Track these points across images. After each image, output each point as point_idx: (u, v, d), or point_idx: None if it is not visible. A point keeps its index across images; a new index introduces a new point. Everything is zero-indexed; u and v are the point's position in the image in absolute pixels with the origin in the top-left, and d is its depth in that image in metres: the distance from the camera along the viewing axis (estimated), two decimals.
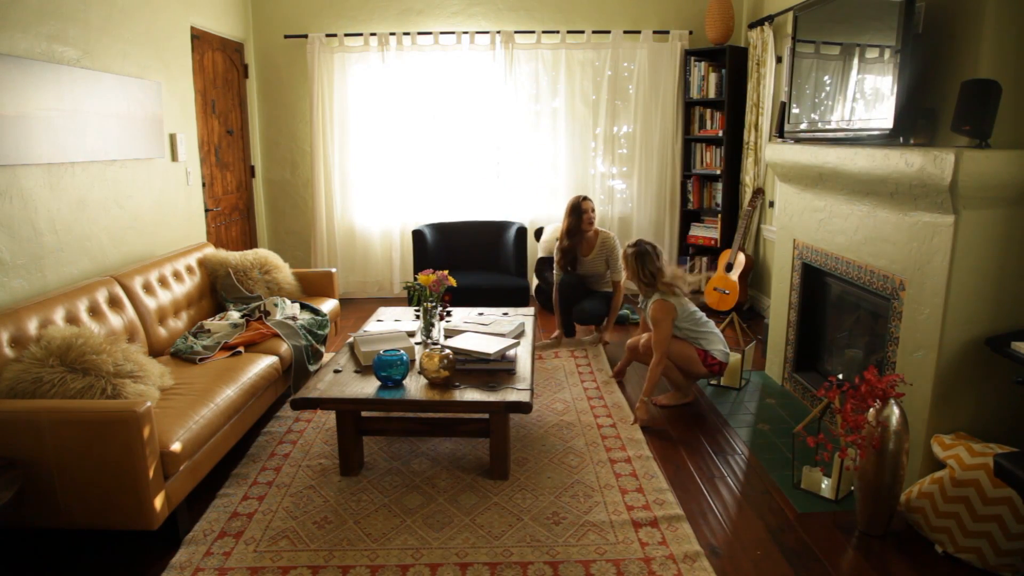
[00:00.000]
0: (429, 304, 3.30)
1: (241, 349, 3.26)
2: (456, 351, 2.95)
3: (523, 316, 3.75)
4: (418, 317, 3.64)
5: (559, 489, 2.77)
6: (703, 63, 5.55)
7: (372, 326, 3.58)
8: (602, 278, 4.60)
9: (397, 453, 3.09)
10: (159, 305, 3.37)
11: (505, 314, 3.75)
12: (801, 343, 3.79)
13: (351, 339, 3.27)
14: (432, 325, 3.32)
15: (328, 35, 5.58)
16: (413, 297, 3.33)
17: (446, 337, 3.27)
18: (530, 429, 3.32)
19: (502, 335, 3.24)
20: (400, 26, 5.64)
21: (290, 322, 3.57)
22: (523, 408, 2.70)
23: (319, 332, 3.71)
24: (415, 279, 3.35)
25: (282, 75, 5.74)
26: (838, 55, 3.30)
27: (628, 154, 5.92)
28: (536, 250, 5.78)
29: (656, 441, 3.23)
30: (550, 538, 2.44)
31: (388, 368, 2.78)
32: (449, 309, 3.74)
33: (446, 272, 3.38)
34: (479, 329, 3.34)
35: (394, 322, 3.67)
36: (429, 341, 3.30)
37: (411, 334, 3.39)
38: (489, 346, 3.01)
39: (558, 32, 5.66)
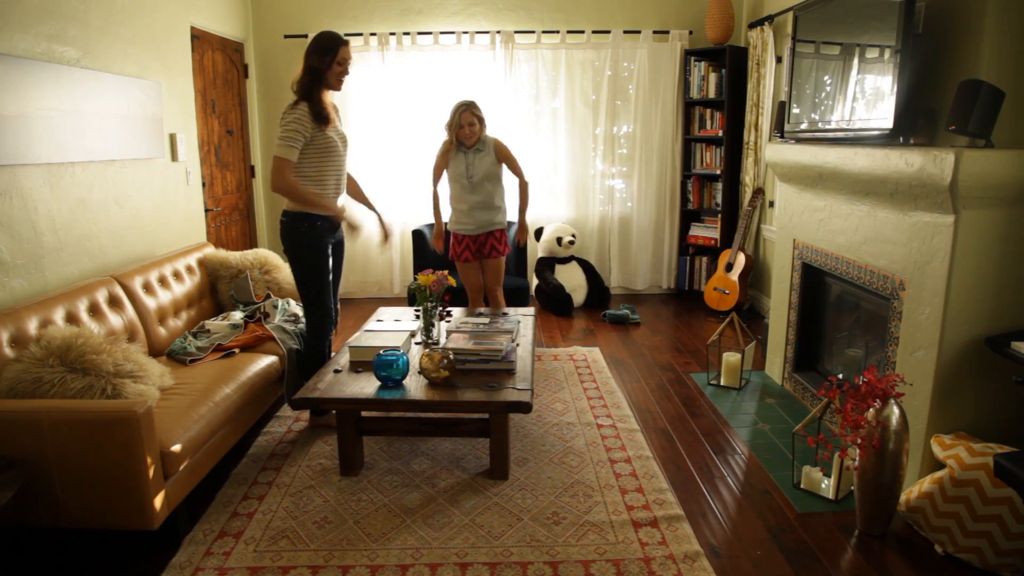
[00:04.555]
0: (429, 304, 3.30)
1: (236, 350, 3.26)
2: (456, 351, 2.95)
3: (523, 316, 3.75)
4: (418, 317, 3.64)
5: (559, 489, 2.77)
6: (703, 63, 5.55)
7: (372, 326, 3.58)
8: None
9: (397, 453, 3.09)
10: (159, 305, 3.36)
11: (505, 314, 3.75)
12: (801, 343, 3.79)
13: (351, 340, 3.27)
14: (432, 325, 3.32)
15: None
16: (415, 297, 3.33)
17: (446, 337, 3.27)
18: (530, 429, 3.32)
19: (501, 334, 3.24)
20: (400, 26, 5.64)
21: (286, 325, 3.57)
22: (523, 408, 2.70)
23: None
24: (415, 279, 3.35)
25: (282, 75, 5.72)
26: (838, 55, 3.30)
27: (628, 154, 5.93)
28: (536, 250, 5.79)
29: (656, 441, 3.23)
30: (550, 538, 2.44)
31: (388, 368, 2.78)
32: (449, 309, 3.73)
33: (446, 272, 3.38)
34: (479, 329, 3.34)
35: (394, 322, 3.67)
36: (429, 341, 3.30)
37: (412, 334, 3.39)
38: (490, 345, 3.01)
39: (558, 32, 5.66)
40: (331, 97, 3.19)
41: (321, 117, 3.04)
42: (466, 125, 3.82)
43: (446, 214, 4.13)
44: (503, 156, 3.95)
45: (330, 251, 3.22)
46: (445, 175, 4.02)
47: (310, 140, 3.02)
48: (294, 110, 3.00)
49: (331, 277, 3.27)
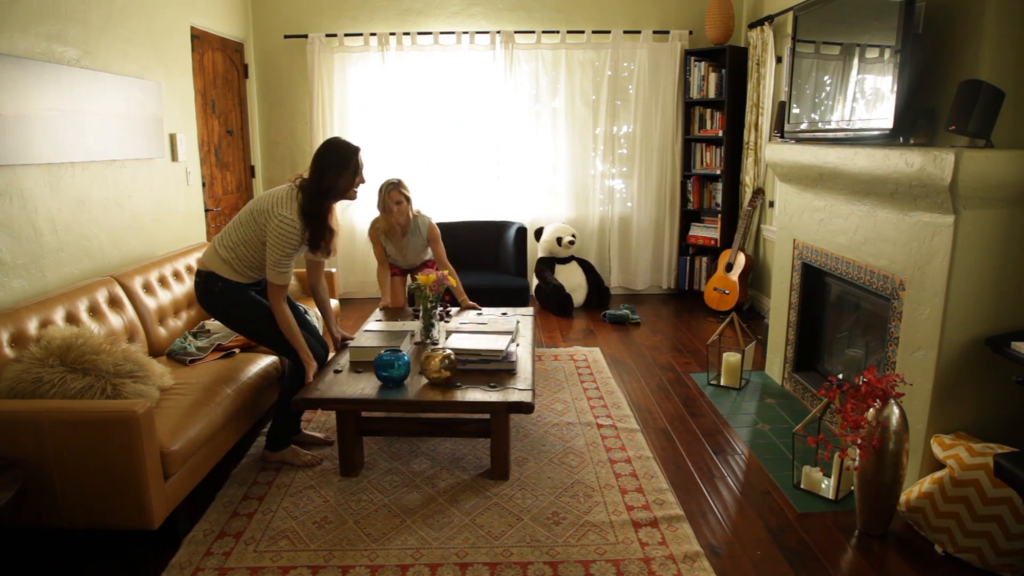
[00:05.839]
0: (429, 304, 3.30)
1: (236, 350, 3.26)
2: (459, 351, 2.94)
3: (521, 315, 3.75)
4: (416, 317, 3.64)
5: (559, 489, 2.77)
6: (703, 63, 5.55)
7: (371, 326, 3.57)
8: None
9: (397, 453, 3.08)
10: (159, 305, 3.36)
11: (504, 314, 3.75)
12: (801, 343, 3.79)
13: (349, 343, 3.26)
14: (432, 325, 3.32)
15: (328, 35, 5.58)
16: (415, 298, 3.33)
17: (446, 337, 3.26)
18: (530, 429, 3.32)
19: (501, 334, 3.24)
20: (400, 26, 5.64)
21: None
22: (525, 408, 2.69)
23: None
24: (414, 279, 3.35)
25: (282, 75, 5.74)
26: (838, 55, 3.30)
27: (628, 154, 5.93)
28: (536, 250, 5.79)
29: (656, 441, 3.23)
30: (550, 538, 2.44)
31: (389, 368, 2.77)
32: (448, 309, 3.73)
33: (445, 272, 3.38)
34: (477, 329, 3.33)
35: (393, 322, 3.66)
36: (428, 341, 3.30)
37: (411, 334, 3.38)
38: (491, 345, 3.01)
39: (558, 32, 5.66)
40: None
41: (317, 246, 2.86)
42: (393, 204, 3.82)
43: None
44: (432, 240, 3.96)
45: (255, 294, 2.99)
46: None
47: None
48: (293, 229, 2.75)
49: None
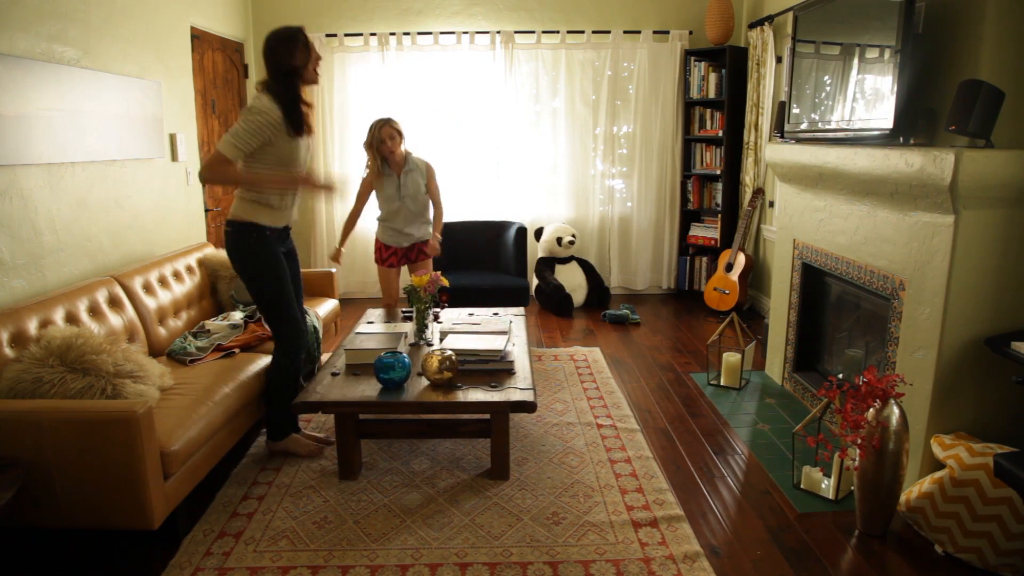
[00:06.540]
0: (423, 306, 3.30)
1: (236, 350, 3.26)
2: (458, 352, 2.94)
3: (514, 316, 3.75)
4: (408, 318, 3.63)
5: (559, 489, 2.77)
6: (703, 63, 5.55)
7: (363, 328, 3.52)
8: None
9: (397, 453, 3.08)
10: (159, 305, 3.36)
11: (495, 314, 3.74)
12: (801, 343, 3.79)
13: (345, 343, 3.25)
14: (425, 327, 3.32)
15: (328, 35, 5.58)
16: (412, 298, 3.33)
17: (440, 338, 3.25)
18: (530, 429, 3.31)
19: (497, 334, 3.23)
20: (400, 26, 5.64)
21: None
22: (528, 408, 2.69)
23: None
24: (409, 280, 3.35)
25: None
26: (838, 55, 3.30)
27: (628, 154, 5.93)
28: (536, 250, 5.79)
29: (656, 441, 3.23)
30: (550, 538, 2.44)
31: (389, 371, 2.75)
32: (437, 311, 3.69)
33: (439, 272, 3.38)
34: (471, 329, 3.32)
35: (385, 323, 3.64)
36: (423, 343, 3.29)
37: (404, 335, 3.37)
38: (489, 345, 3.00)
39: (558, 32, 5.66)
40: (307, 94, 2.88)
41: (299, 126, 2.77)
42: (387, 139, 3.79)
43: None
44: (430, 178, 3.98)
45: (283, 260, 2.93)
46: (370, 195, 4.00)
47: (274, 147, 2.72)
48: (266, 111, 2.67)
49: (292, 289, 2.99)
